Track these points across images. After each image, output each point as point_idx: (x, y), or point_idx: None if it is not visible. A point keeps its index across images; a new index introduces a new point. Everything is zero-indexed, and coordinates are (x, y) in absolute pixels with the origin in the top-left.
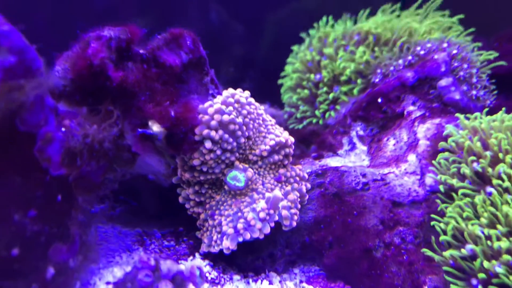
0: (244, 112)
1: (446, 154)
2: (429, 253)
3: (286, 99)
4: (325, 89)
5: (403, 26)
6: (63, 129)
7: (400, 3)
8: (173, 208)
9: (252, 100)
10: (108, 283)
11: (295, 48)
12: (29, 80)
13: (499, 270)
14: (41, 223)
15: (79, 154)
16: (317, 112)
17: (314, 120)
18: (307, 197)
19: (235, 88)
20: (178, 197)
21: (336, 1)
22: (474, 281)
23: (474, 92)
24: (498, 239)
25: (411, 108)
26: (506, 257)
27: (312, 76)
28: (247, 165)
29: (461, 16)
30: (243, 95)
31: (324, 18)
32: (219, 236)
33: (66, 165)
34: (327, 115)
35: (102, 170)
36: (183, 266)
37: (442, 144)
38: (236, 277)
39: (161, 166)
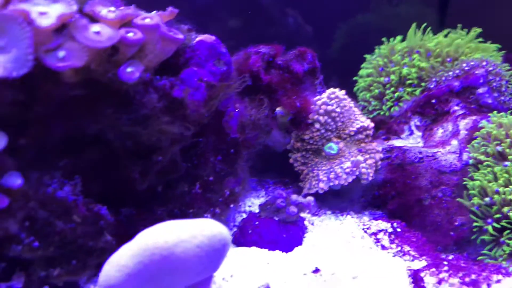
0: (341, 104)
1: (478, 139)
2: (461, 200)
3: (361, 96)
4: (392, 89)
5: (453, 46)
6: (237, 110)
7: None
8: (280, 166)
9: (346, 96)
10: (250, 206)
11: (368, 56)
12: (230, 80)
13: (510, 214)
14: (223, 164)
15: (247, 126)
16: (384, 107)
17: (382, 113)
18: (380, 162)
19: None
20: (288, 159)
21: (394, 18)
22: (489, 220)
23: (502, 98)
24: (510, 194)
25: (456, 108)
26: None
27: (382, 79)
28: (340, 140)
29: (499, 45)
30: (341, 92)
31: (398, 37)
32: (316, 182)
33: (239, 132)
34: (392, 109)
35: (256, 136)
36: (303, 199)
37: (476, 133)
38: (328, 212)
39: (280, 137)
